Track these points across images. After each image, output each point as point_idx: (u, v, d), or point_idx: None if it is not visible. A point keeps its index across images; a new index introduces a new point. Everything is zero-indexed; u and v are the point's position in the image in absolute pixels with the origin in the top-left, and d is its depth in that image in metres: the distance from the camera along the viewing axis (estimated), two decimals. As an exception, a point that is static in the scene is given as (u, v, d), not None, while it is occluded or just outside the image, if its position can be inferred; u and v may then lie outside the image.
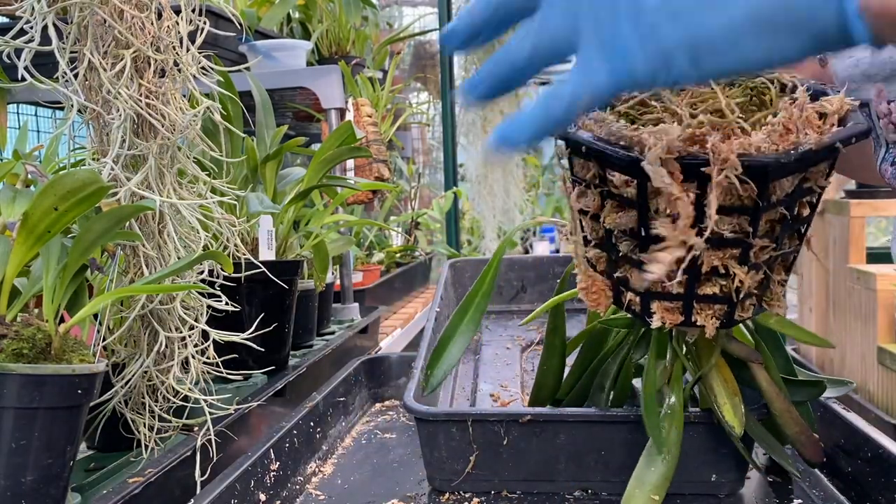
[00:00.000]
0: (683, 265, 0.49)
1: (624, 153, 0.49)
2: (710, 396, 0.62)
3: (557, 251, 4.01)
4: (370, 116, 1.75)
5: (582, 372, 0.73)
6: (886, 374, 2.33)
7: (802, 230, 0.56)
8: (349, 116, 1.67)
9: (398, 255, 2.60)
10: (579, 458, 0.66)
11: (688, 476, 0.65)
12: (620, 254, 0.55)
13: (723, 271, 0.53)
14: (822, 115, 0.51)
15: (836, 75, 0.65)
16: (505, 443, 0.67)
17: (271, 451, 0.70)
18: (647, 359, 0.64)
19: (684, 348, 0.64)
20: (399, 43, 2.95)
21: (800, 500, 0.66)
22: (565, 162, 0.57)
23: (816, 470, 0.72)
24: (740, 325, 0.63)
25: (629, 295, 0.57)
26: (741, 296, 0.54)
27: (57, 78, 0.72)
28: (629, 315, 0.61)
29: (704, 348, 0.62)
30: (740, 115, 0.51)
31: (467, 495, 0.68)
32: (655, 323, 0.55)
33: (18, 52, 0.69)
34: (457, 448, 0.67)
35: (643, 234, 0.52)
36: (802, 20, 0.36)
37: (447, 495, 0.68)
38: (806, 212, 0.55)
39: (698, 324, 0.55)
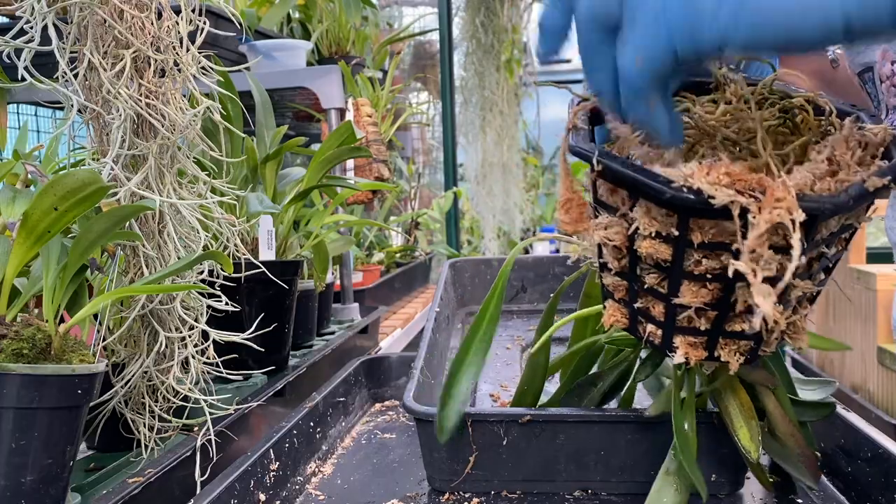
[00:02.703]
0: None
1: (668, 187, 0.44)
2: (726, 419, 0.60)
3: (557, 251, 4.01)
4: (370, 116, 1.75)
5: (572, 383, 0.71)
6: (886, 375, 2.33)
7: (831, 265, 0.53)
8: (349, 116, 1.67)
9: (398, 255, 2.60)
10: (579, 458, 0.66)
11: (688, 476, 0.65)
12: (645, 286, 0.52)
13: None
14: (864, 145, 0.48)
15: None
16: (505, 443, 0.67)
17: (271, 451, 0.70)
18: (673, 405, 0.61)
19: (697, 380, 0.63)
20: (399, 43, 2.95)
21: (800, 501, 0.66)
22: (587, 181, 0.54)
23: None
24: None
25: (649, 327, 0.54)
26: (771, 334, 0.52)
27: (57, 78, 0.72)
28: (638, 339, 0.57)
29: (722, 372, 0.61)
30: (775, 152, 0.49)
31: (467, 495, 0.68)
32: (678, 359, 0.52)
33: (18, 52, 0.69)
34: (456, 448, 0.67)
35: (679, 268, 0.49)
36: None
37: (447, 495, 0.68)
38: (841, 247, 0.52)
39: (721, 359, 0.52)
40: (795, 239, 0.41)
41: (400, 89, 2.33)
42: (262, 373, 1.07)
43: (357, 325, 1.59)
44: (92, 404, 0.66)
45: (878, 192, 0.46)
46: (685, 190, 0.44)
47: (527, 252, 3.77)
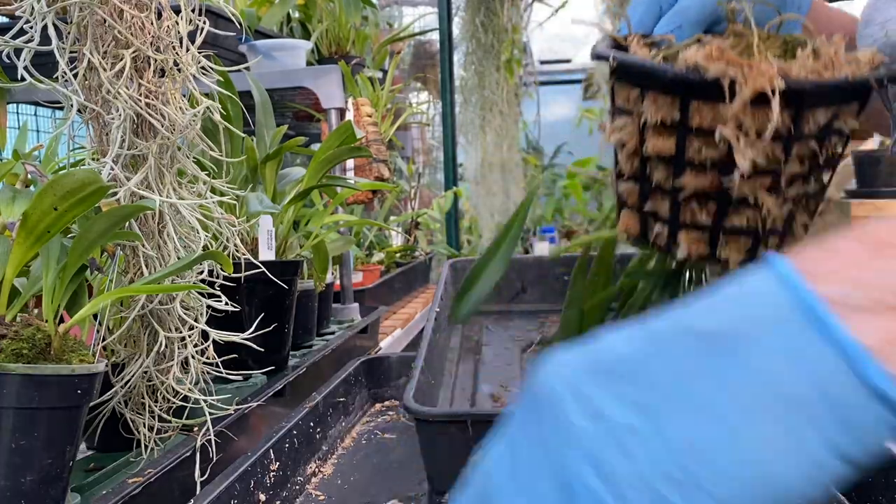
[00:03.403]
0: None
1: (671, 68, 0.52)
2: None
3: (557, 251, 4.01)
4: (370, 116, 1.75)
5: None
6: (886, 374, 2.33)
7: (826, 179, 0.58)
8: (349, 116, 1.67)
9: (398, 255, 2.60)
10: (579, 458, 0.66)
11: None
12: (654, 184, 0.57)
13: (752, 202, 0.54)
14: (853, 61, 0.53)
15: (861, 37, 0.65)
16: (505, 443, 0.67)
17: (271, 451, 0.70)
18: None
19: None
20: (399, 43, 2.95)
21: (800, 501, 0.66)
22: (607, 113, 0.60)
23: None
24: None
25: (657, 227, 0.58)
26: (767, 227, 0.55)
27: (56, 78, 0.72)
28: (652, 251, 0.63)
29: None
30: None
31: (467, 495, 0.68)
32: (681, 253, 0.56)
33: (18, 51, 0.69)
34: (457, 448, 0.67)
35: (681, 158, 0.54)
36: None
37: (447, 495, 0.68)
38: (832, 155, 0.56)
39: (723, 257, 0.56)
40: (774, 103, 0.47)
41: (400, 89, 2.33)
42: (262, 373, 1.07)
43: (357, 325, 1.59)
44: (92, 404, 0.65)
45: (860, 91, 0.51)
46: (684, 70, 0.50)
47: (527, 252, 3.77)
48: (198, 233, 0.79)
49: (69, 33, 0.72)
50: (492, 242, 0.74)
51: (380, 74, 2.19)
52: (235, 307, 0.83)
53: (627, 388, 0.30)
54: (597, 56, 0.57)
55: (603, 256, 0.75)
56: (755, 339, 0.29)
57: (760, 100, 0.49)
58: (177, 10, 0.76)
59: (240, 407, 0.86)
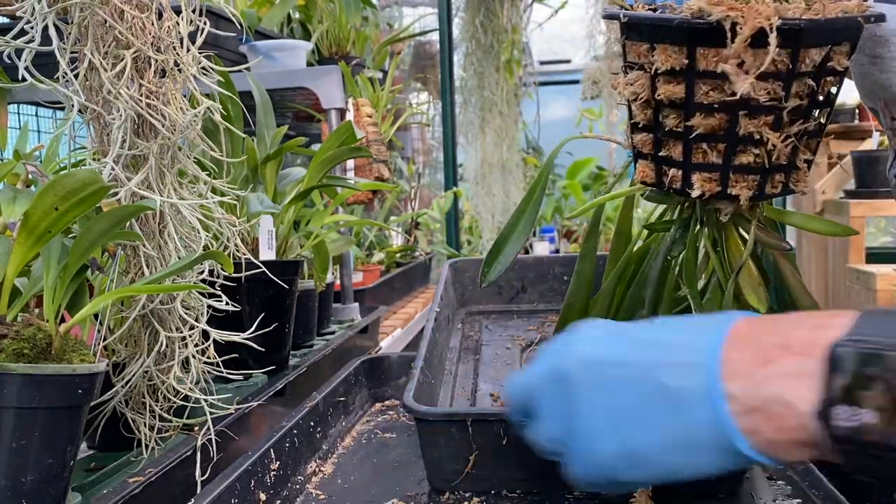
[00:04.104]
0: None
1: (677, 16, 0.56)
2: (737, 291, 0.65)
3: (557, 251, 4.01)
4: (370, 117, 1.75)
5: (616, 285, 0.76)
6: (886, 375, 2.33)
7: (825, 118, 0.62)
8: (349, 116, 1.67)
9: (398, 255, 2.60)
10: (579, 457, 0.66)
11: (687, 476, 0.65)
12: (667, 129, 0.61)
13: (757, 138, 0.58)
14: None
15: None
16: (505, 443, 0.67)
17: (271, 450, 0.70)
18: (685, 249, 0.69)
19: (717, 250, 0.69)
20: (399, 43, 2.95)
21: (799, 500, 0.66)
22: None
23: (816, 470, 0.72)
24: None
25: (671, 172, 0.62)
26: (772, 163, 0.59)
27: (57, 78, 0.72)
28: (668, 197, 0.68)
29: (735, 247, 0.67)
30: None
31: (467, 495, 0.68)
32: (695, 192, 0.61)
33: (19, 52, 0.69)
34: (456, 448, 0.67)
35: (691, 102, 0.58)
36: (694, 442, 0.47)
37: (447, 495, 0.68)
38: (829, 93, 0.60)
39: (733, 193, 0.60)
40: (772, 38, 0.52)
41: (400, 89, 2.33)
42: (263, 372, 1.07)
43: (357, 324, 1.59)
44: (92, 404, 0.66)
45: (851, 29, 0.56)
46: (689, 16, 0.54)
47: (527, 252, 3.77)
48: (198, 233, 0.79)
49: (70, 34, 0.72)
50: (515, 211, 0.78)
51: (380, 75, 2.19)
52: (236, 307, 0.83)
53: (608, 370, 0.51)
54: (608, 16, 0.61)
55: (624, 214, 0.79)
56: (687, 405, 0.47)
57: (760, 40, 0.53)
58: (177, 11, 0.76)
59: (240, 406, 0.86)
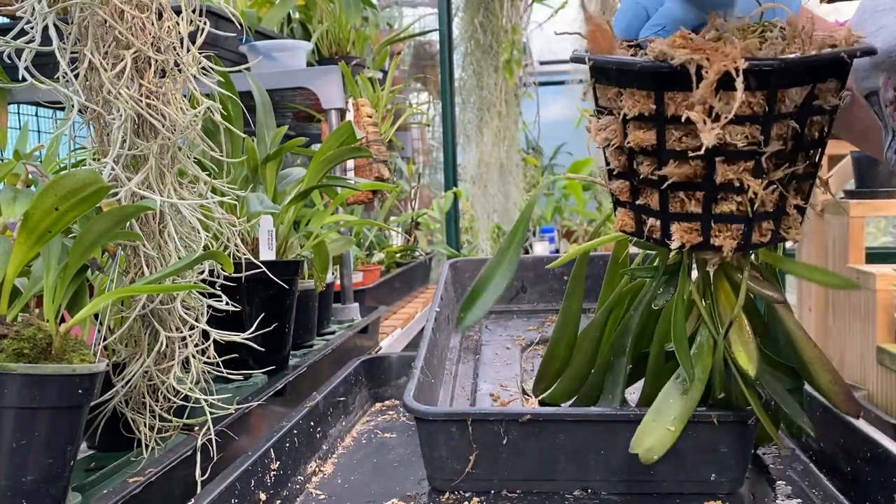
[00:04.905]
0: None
1: (640, 60, 0.53)
2: (726, 348, 0.62)
3: (557, 251, 4.01)
4: (370, 117, 1.75)
5: (605, 321, 0.73)
6: (886, 374, 2.33)
7: (817, 159, 0.58)
8: (349, 117, 1.67)
9: (398, 255, 2.60)
10: (579, 457, 0.66)
11: (687, 475, 0.65)
12: (641, 177, 0.57)
13: (738, 185, 0.54)
14: (827, 41, 0.54)
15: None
16: (505, 442, 0.67)
17: (271, 450, 0.70)
18: (672, 300, 0.65)
19: (706, 303, 0.64)
20: (399, 43, 2.95)
21: (799, 500, 0.66)
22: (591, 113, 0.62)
23: (816, 470, 0.72)
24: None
25: (650, 221, 0.59)
26: (756, 211, 0.55)
27: (57, 78, 0.72)
28: (650, 248, 0.65)
29: (725, 299, 0.63)
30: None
31: (467, 495, 0.68)
32: (675, 244, 0.57)
33: (19, 52, 0.69)
34: (457, 448, 0.67)
35: (663, 148, 0.55)
36: None
37: (447, 495, 0.68)
38: (817, 134, 0.56)
39: (716, 245, 0.56)
40: (738, 82, 0.49)
41: (400, 89, 2.33)
42: (263, 372, 1.07)
43: (357, 324, 1.59)
44: (92, 404, 0.66)
45: (834, 67, 0.52)
46: (652, 60, 0.52)
47: (527, 252, 3.77)
48: (198, 233, 0.79)
49: (70, 34, 0.72)
50: (496, 252, 0.74)
51: (380, 75, 2.19)
52: (236, 307, 0.83)
53: None
54: (574, 59, 0.58)
55: (616, 257, 0.76)
56: None
57: (730, 83, 0.50)
58: (177, 11, 0.76)
59: (240, 406, 0.86)
